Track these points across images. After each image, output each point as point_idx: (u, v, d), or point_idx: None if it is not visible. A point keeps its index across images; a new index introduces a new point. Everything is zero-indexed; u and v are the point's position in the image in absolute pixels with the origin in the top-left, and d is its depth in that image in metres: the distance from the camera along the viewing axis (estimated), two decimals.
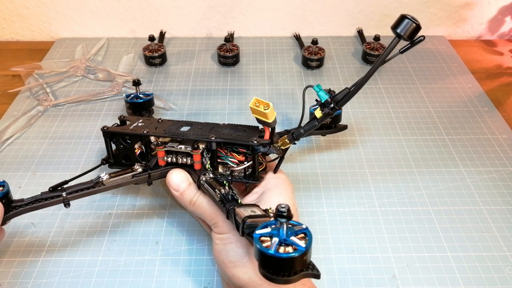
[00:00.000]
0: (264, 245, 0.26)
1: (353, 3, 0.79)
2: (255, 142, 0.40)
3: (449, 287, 0.43)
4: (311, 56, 0.72)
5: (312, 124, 0.41)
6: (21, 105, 0.66)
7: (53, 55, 0.77)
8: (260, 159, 0.42)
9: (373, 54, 0.73)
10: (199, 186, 0.41)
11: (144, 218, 0.49)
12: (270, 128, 0.41)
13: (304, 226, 0.27)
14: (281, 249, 0.26)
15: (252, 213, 0.33)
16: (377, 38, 0.73)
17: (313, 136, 0.59)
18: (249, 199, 0.42)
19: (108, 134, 0.45)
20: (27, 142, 0.59)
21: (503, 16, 0.82)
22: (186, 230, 0.48)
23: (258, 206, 0.36)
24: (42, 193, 0.40)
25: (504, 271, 0.44)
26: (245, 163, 0.41)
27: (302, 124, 0.42)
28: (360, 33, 0.81)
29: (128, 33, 0.83)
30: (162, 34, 0.79)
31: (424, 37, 0.36)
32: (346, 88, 0.39)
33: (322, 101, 0.40)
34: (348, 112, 0.64)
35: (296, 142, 0.42)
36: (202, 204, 0.41)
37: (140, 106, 0.56)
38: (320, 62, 0.73)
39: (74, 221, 0.49)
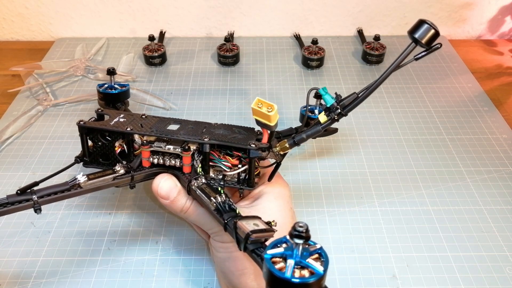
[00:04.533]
0: (277, 266, 0.24)
1: (353, 3, 0.79)
2: (253, 146, 0.37)
3: (449, 287, 0.43)
4: (311, 56, 0.72)
5: (315, 129, 0.38)
6: (21, 105, 0.66)
7: (53, 55, 0.77)
8: (256, 164, 0.39)
9: (373, 54, 0.73)
10: (189, 192, 0.37)
11: (144, 218, 0.49)
12: (269, 132, 0.38)
13: (318, 246, 0.25)
14: (297, 273, 0.24)
15: (255, 227, 0.30)
16: (377, 38, 0.73)
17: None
18: (242, 204, 0.39)
19: (85, 130, 0.40)
20: (27, 142, 0.59)
21: (503, 16, 0.82)
22: (186, 230, 0.48)
23: (260, 218, 0.32)
24: (8, 196, 0.34)
25: (504, 271, 0.44)
26: (239, 167, 0.38)
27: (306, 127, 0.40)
28: (360, 33, 0.81)
29: (128, 33, 0.83)
30: (162, 34, 0.79)
31: (441, 44, 0.34)
32: (354, 93, 0.36)
33: (328, 106, 0.37)
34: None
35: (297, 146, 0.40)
36: (197, 211, 0.38)
37: (114, 97, 0.49)
38: (320, 62, 0.73)
39: (74, 221, 0.49)
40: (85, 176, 0.36)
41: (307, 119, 0.42)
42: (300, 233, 0.23)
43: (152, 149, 0.39)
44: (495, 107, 0.66)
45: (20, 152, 0.57)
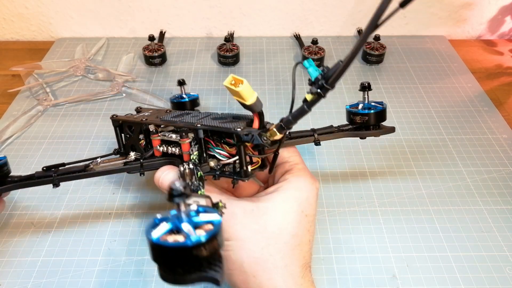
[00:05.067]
0: (172, 240, 0.21)
1: (353, 3, 0.79)
2: (239, 129, 0.36)
3: (449, 287, 0.43)
4: (311, 56, 0.72)
5: (301, 109, 0.33)
6: (21, 105, 0.66)
7: (53, 55, 0.77)
8: (251, 153, 0.37)
9: (373, 54, 0.73)
10: None
11: (144, 218, 0.49)
12: (258, 114, 0.35)
13: (217, 218, 0.22)
14: (170, 238, 0.20)
15: (196, 202, 0.27)
16: (377, 38, 0.73)
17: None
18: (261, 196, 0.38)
19: (116, 123, 0.45)
20: (27, 142, 0.59)
21: (503, 16, 0.82)
22: None
23: (209, 198, 0.30)
24: (36, 172, 0.40)
25: (504, 271, 0.44)
26: (231, 156, 0.37)
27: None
28: (360, 33, 0.81)
29: (128, 33, 0.83)
30: (162, 34, 0.79)
31: None
32: (339, 61, 0.30)
33: (313, 79, 0.31)
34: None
35: (288, 131, 0.37)
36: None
37: (184, 106, 0.53)
38: (320, 62, 0.73)
39: (74, 221, 0.49)
40: (100, 159, 0.41)
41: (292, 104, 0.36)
42: (172, 191, 0.21)
43: (159, 137, 0.41)
44: (495, 107, 0.66)
45: (20, 152, 0.57)
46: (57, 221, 0.49)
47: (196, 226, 0.21)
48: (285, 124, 0.34)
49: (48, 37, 0.83)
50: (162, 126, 0.42)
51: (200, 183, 0.34)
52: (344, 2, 0.79)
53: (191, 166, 0.36)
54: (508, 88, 0.71)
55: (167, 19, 0.81)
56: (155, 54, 0.73)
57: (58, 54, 0.77)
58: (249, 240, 0.36)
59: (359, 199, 0.51)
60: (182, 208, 0.22)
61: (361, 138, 0.42)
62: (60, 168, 0.41)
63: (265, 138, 0.36)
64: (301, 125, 0.38)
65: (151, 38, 0.72)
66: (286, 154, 0.41)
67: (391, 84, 0.70)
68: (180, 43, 0.81)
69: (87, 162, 0.41)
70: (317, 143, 0.41)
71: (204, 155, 0.38)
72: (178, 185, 0.21)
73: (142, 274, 0.44)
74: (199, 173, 0.35)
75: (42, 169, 0.40)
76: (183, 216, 0.21)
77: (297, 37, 0.81)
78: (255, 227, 0.36)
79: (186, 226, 0.21)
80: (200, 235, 0.20)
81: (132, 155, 0.41)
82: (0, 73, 0.73)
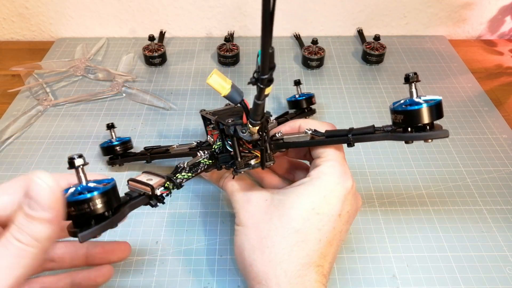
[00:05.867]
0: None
1: (353, 3, 0.79)
2: (230, 121, 0.38)
3: (449, 287, 0.43)
4: (311, 56, 0.72)
5: (254, 103, 0.32)
6: (21, 105, 0.66)
7: (53, 55, 0.77)
8: (247, 147, 0.39)
9: (373, 54, 0.73)
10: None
11: (144, 218, 0.49)
12: (243, 106, 0.35)
13: (106, 186, 0.28)
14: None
15: (147, 180, 0.34)
16: (377, 38, 0.73)
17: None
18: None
19: (203, 118, 0.49)
20: (27, 142, 0.59)
21: (503, 16, 0.82)
22: (186, 230, 0.48)
23: (161, 176, 0.35)
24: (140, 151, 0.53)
25: (504, 271, 0.44)
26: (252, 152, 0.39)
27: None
28: (360, 33, 0.81)
29: (128, 33, 0.83)
30: (162, 34, 0.79)
31: None
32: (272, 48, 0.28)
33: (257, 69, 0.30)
34: (348, 112, 0.64)
35: (268, 128, 0.37)
36: (227, 189, 0.42)
37: (298, 104, 0.59)
38: (320, 62, 0.73)
39: None
40: (176, 145, 0.50)
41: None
42: (72, 161, 0.27)
43: (210, 129, 0.47)
44: (495, 107, 0.66)
45: (20, 152, 0.57)
46: None
47: (89, 189, 0.27)
48: (252, 119, 0.35)
49: (48, 37, 0.83)
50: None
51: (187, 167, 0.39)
52: (344, 2, 0.79)
53: (206, 153, 0.41)
54: (508, 88, 0.71)
55: (167, 19, 0.81)
56: (155, 54, 0.73)
57: (58, 54, 0.77)
58: (253, 228, 0.37)
59: None
60: (81, 174, 0.27)
61: (406, 142, 0.34)
62: (153, 149, 0.52)
63: (243, 131, 0.37)
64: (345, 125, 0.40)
65: (151, 38, 0.72)
66: (320, 149, 0.39)
67: (391, 84, 0.70)
68: (180, 43, 0.81)
69: (167, 146, 0.50)
70: (350, 144, 0.37)
71: (227, 148, 0.41)
72: (76, 156, 0.27)
73: (142, 274, 0.44)
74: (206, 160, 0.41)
75: (144, 148, 0.52)
76: (83, 181, 0.27)
77: (297, 37, 0.81)
78: (262, 217, 0.37)
79: (82, 188, 0.27)
80: (88, 193, 0.27)
81: (194, 142, 0.48)
82: (0, 73, 0.73)
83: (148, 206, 0.33)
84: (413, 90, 0.33)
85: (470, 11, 0.81)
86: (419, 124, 0.32)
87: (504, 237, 0.47)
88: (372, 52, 0.73)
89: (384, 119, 0.63)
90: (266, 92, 0.30)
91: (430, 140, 0.33)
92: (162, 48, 0.74)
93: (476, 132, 0.61)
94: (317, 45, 0.73)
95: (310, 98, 0.59)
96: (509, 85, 0.71)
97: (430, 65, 0.75)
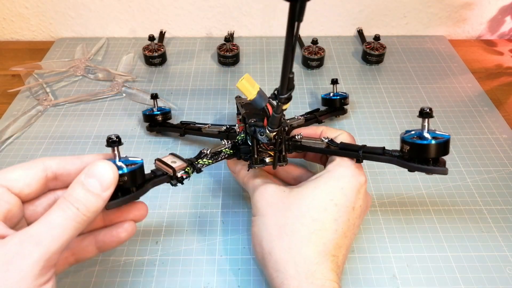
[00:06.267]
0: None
1: (353, 3, 0.79)
2: (252, 121, 0.41)
3: (449, 287, 0.43)
4: (311, 56, 0.72)
5: (272, 116, 0.37)
6: (21, 105, 0.66)
7: (53, 55, 0.77)
8: (265, 148, 0.42)
9: (373, 54, 0.73)
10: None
11: (144, 218, 0.49)
12: (265, 110, 0.39)
13: (138, 164, 0.32)
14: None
15: (171, 163, 0.37)
16: (377, 38, 0.73)
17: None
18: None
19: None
20: (27, 142, 0.59)
21: (503, 16, 0.82)
22: (186, 230, 0.48)
23: (184, 160, 0.38)
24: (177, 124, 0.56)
25: (504, 271, 0.44)
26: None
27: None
28: (360, 33, 0.81)
29: (128, 33, 0.83)
30: (162, 34, 0.79)
31: None
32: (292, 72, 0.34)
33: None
34: (348, 112, 0.64)
35: (271, 130, 0.40)
36: (248, 185, 0.43)
37: (332, 102, 0.61)
38: (320, 62, 0.73)
39: None
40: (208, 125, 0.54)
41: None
42: (112, 141, 0.31)
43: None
44: (495, 107, 0.66)
45: (20, 152, 0.57)
46: None
47: (122, 167, 0.31)
48: (269, 126, 0.39)
49: (48, 37, 0.83)
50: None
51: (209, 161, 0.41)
52: (344, 2, 0.79)
53: (229, 144, 0.44)
54: (508, 88, 0.71)
55: (167, 19, 0.81)
56: (155, 54, 0.73)
57: (58, 54, 0.77)
58: (271, 217, 0.38)
59: None
60: (116, 152, 0.32)
61: (409, 170, 0.37)
62: (188, 124, 0.56)
63: (261, 134, 0.41)
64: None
65: (151, 38, 0.72)
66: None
67: (391, 84, 0.70)
68: (180, 43, 0.81)
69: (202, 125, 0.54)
70: (359, 160, 0.40)
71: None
72: (114, 137, 0.31)
73: (142, 274, 0.44)
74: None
75: (181, 122, 0.56)
76: (117, 159, 0.32)
77: (297, 37, 0.81)
78: (280, 206, 0.38)
79: (118, 163, 0.32)
80: (119, 170, 0.31)
81: (224, 127, 0.51)
82: (0, 73, 0.73)
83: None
84: (425, 124, 0.36)
85: (470, 11, 0.81)
86: (429, 157, 0.36)
87: (504, 237, 0.47)
88: (372, 52, 0.73)
89: (384, 119, 0.63)
90: (283, 107, 0.35)
91: (430, 174, 0.37)
92: (162, 48, 0.74)
93: (476, 132, 0.61)
94: (317, 45, 0.73)
95: (344, 99, 0.61)
96: (509, 85, 0.71)
97: (430, 65, 0.75)
